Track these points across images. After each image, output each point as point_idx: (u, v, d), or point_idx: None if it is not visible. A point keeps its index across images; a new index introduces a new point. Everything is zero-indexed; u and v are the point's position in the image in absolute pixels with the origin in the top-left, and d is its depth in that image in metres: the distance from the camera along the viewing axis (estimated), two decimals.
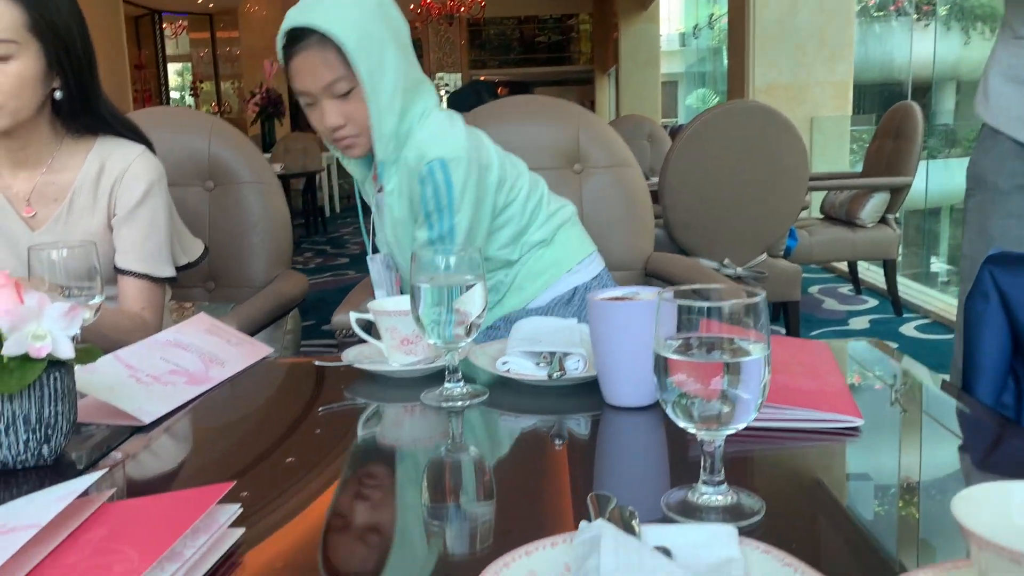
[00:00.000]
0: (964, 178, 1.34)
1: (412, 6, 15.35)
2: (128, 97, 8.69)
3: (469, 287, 0.99)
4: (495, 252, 1.60)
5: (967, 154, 1.51)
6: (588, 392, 1.00)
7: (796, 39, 6.00)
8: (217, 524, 0.65)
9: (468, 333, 1.00)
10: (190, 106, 12.53)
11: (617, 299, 0.95)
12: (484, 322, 1.03)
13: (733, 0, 6.44)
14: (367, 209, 1.67)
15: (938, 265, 5.79)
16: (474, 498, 0.79)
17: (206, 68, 13.81)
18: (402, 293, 1.61)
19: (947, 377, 1.17)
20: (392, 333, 1.11)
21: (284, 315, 1.84)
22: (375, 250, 1.66)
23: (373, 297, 1.58)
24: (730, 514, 0.68)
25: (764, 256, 3.32)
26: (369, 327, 1.17)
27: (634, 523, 0.60)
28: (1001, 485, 0.51)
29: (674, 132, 6.05)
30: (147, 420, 0.97)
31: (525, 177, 1.63)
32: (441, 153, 1.46)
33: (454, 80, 17.72)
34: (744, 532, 0.60)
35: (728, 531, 0.58)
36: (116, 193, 1.50)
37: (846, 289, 5.20)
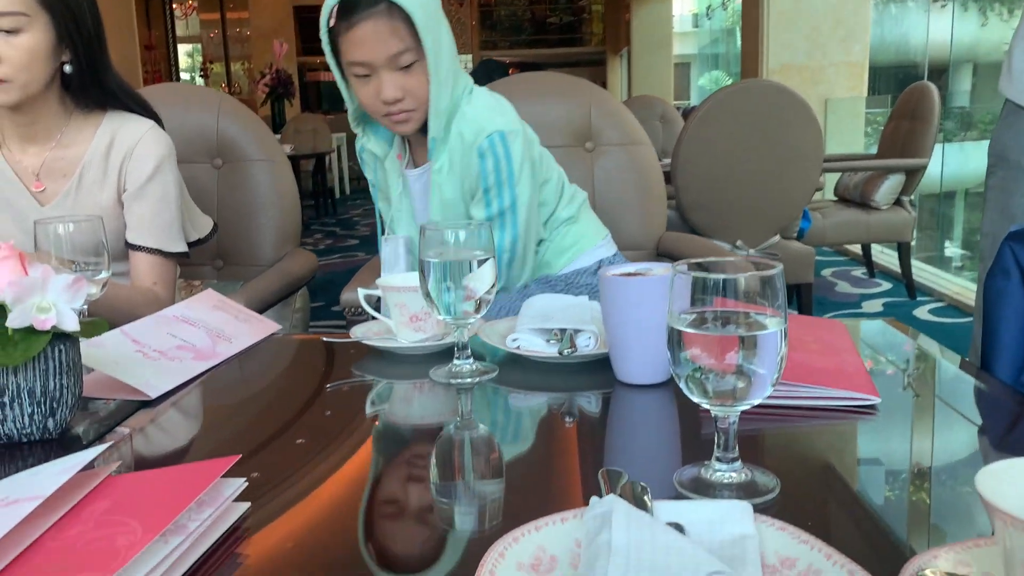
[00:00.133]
0: (981, 162, 1.32)
1: None
2: (138, 78, 8.66)
3: (479, 263, 0.97)
4: None
5: (984, 137, 1.48)
6: (599, 369, 0.98)
7: (811, 19, 5.92)
8: (222, 497, 0.64)
9: (477, 309, 0.98)
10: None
11: (630, 275, 0.94)
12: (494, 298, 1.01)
13: None
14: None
15: (952, 249, 5.72)
16: (483, 475, 0.78)
17: (216, 49, 13.77)
18: None
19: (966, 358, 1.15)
20: (401, 310, 1.10)
21: (293, 293, 1.83)
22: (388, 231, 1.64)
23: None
24: (744, 491, 0.67)
25: (777, 238, 3.29)
26: (378, 304, 1.15)
27: (646, 498, 0.59)
28: None
29: (687, 113, 5.99)
30: (153, 395, 0.96)
31: (548, 154, 1.63)
32: (501, 126, 1.46)
33: (465, 61, 17.62)
34: (758, 510, 0.58)
35: (743, 507, 0.57)
36: (126, 168, 1.49)
37: (859, 272, 5.16)
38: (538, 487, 0.74)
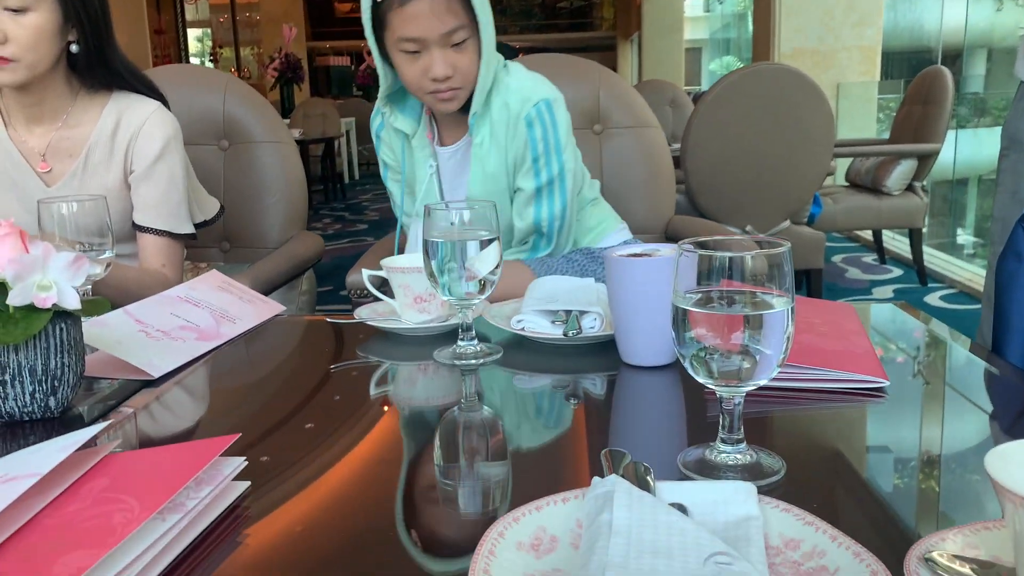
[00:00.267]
0: (994, 148, 1.30)
1: None
2: (148, 62, 8.66)
3: (483, 243, 0.96)
4: None
5: (997, 123, 1.46)
6: (605, 351, 0.98)
7: (823, 3, 5.86)
8: (221, 476, 0.63)
9: (481, 290, 0.97)
10: None
11: (636, 255, 0.93)
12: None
13: None
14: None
15: (964, 237, 5.67)
16: (487, 457, 0.77)
17: (225, 34, 13.76)
18: None
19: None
20: (405, 291, 1.09)
21: (299, 275, 1.83)
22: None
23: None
24: (749, 473, 0.66)
25: (787, 223, 3.27)
26: (384, 286, 1.15)
27: (649, 479, 0.58)
28: None
29: (697, 98, 5.95)
30: (156, 374, 0.96)
31: None
32: (545, 94, 1.48)
33: None
34: (763, 492, 0.57)
35: (747, 488, 0.56)
36: (133, 149, 1.49)
37: (870, 258, 5.12)
38: (542, 469, 0.73)
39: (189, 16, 12.74)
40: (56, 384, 0.83)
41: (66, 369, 0.83)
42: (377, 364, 1.04)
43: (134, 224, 1.51)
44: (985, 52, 6.50)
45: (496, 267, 0.97)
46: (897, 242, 5.19)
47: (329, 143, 8.90)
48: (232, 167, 1.89)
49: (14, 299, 0.78)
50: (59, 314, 0.82)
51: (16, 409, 0.82)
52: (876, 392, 0.83)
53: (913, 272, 4.49)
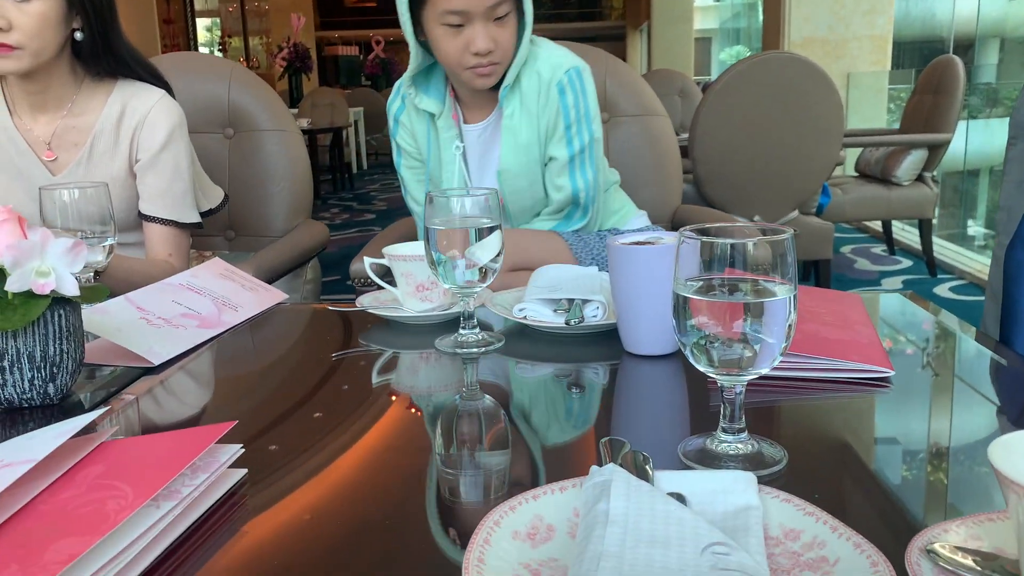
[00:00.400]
0: (1006, 139, 1.28)
1: None
2: (157, 52, 8.66)
3: (485, 231, 0.95)
4: None
5: (1009, 114, 1.44)
6: (607, 340, 0.97)
7: None
8: (217, 463, 0.63)
9: (483, 279, 0.96)
10: None
11: (638, 244, 0.92)
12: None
13: None
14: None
15: (975, 228, 5.63)
16: (488, 446, 0.77)
17: (234, 23, 13.76)
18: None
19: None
20: (407, 279, 1.08)
21: (304, 264, 1.82)
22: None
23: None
24: (750, 463, 0.65)
25: (796, 213, 3.25)
26: (387, 274, 1.14)
27: (648, 468, 0.57)
28: None
29: (706, 88, 5.91)
30: (157, 362, 0.96)
31: None
32: (575, 62, 1.51)
33: None
34: (764, 482, 0.57)
35: (747, 478, 0.55)
36: (138, 138, 1.48)
37: (879, 249, 5.09)
38: (544, 458, 0.72)
39: (198, 6, 12.74)
40: (55, 371, 0.83)
41: (65, 356, 0.83)
42: (379, 352, 1.04)
43: (140, 213, 1.51)
44: (998, 42, 6.43)
45: (498, 255, 0.96)
46: (907, 233, 5.16)
47: (337, 133, 8.89)
48: (237, 155, 1.89)
49: (12, 285, 0.78)
50: (58, 300, 0.82)
51: (15, 395, 0.82)
52: (881, 382, 0.83)
53: (922, 263, 4.46)
